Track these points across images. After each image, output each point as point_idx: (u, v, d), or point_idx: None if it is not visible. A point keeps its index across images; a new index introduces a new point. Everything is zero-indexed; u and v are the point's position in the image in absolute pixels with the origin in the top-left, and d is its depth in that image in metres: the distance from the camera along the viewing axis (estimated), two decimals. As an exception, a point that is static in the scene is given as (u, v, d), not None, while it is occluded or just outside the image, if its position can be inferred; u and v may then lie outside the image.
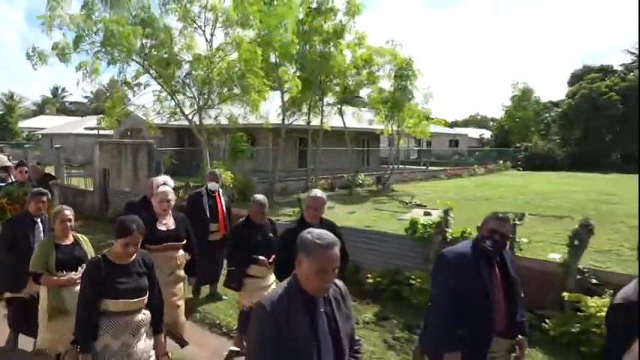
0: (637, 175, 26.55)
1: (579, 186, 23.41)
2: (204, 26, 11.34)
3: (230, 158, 14.70)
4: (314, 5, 16.68)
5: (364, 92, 22.96)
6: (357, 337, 2.42)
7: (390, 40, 20.51)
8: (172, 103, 11.89)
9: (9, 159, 9.66)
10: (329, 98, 20.34)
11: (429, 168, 30.49)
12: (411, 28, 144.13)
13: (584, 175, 31.36)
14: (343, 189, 20.35)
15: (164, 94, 11.66)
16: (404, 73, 20.46)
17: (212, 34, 11.56)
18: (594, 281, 5.26)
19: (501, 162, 35.56)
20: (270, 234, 4.98)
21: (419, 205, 16.21)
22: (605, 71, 41.64)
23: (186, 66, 11.25)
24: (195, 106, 11.73)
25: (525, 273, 4.34)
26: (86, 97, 61.42)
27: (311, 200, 4.11)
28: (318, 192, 4.20)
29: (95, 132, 29.98)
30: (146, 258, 3.43)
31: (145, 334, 3.36)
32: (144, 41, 10.43)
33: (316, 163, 19.37)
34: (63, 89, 70.51)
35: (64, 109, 63.87)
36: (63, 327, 3.89)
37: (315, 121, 19.52)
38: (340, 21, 17.08)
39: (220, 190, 6.80)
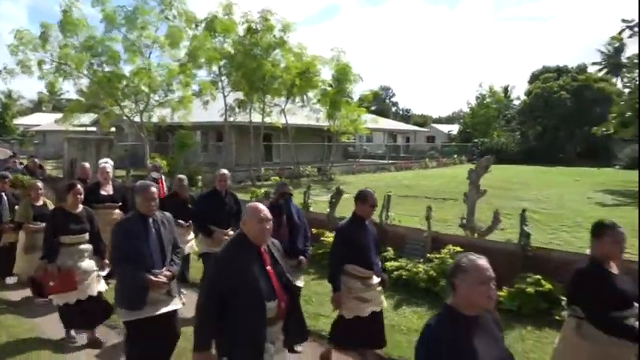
0: (571, 168, 29.44)
1: (500, 175, 26.38)
2: (143, 47, 14.56)
3: (176, 152, 17.82)
4: (252, 25, 20.06)
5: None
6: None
7: (334, 48, 23.81)
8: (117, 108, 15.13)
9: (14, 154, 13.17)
10: (279, 100, 23.47)
11: (380, 161, 33.57)
12: (412, 23, 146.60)
13: (527, 167, 34.41)
14: (288, 179, 23.46)
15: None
16: (341, 77, 23.68)
17: (150, 53, 14.75)
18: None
19: (455, 156, 38.55)
20: (234, 205, 6.14)
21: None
22: (560, 71, 44.47)
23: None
24: (137, 110, 14.92)
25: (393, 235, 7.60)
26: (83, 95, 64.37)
27: (219, 175, 6.08)
28: (224, 171, 6.12)
29: (84, 129, 33.12)
30: (89, 211, 5.34)
31: (87, 258, 5.16)
32: (91, 61, 13.62)
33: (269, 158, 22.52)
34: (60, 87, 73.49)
35: (60, 107, 66.97)
36: (34, 258, 5.82)
37: (287, 119, 22.76)
38: (274, 36, 20.31)
39: (163, 177, 9.42)
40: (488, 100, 47.33)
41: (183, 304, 4.38)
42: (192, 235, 6.89)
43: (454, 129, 54.59)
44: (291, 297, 3.13)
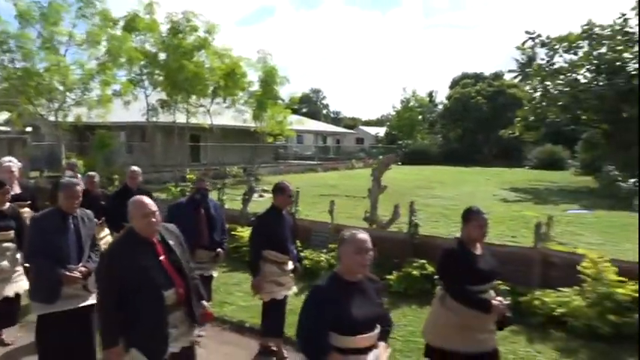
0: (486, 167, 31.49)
1: (420, 175, 27.88)
2: (58, 44, 14.23)
3: (96, 152, 17.48)
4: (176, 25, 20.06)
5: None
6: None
7: (260, 50, 24.18)
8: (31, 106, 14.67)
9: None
10: (204, 100, 23.49)
11: (309, 162, 34.33)
12: (346, 27, 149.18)
13: (447, 167, 36.40)
14: (213, 179, 23.54)
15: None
16: (268, 79, 24.11)
17: (66, 50, 14.45)
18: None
19: (381, 157, 39.99)
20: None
21: (264, 191, 19.85)
22: (478, 78, 47.39)
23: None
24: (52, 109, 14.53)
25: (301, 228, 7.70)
26: None
27: (130, 172, 6.40)
28: (135, 167, 6.67)
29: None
30: (15, 208, 5.30)
31: (10, 257, 5.05)
32: (2, 57, 13.16)
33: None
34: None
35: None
36: None
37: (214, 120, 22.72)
38: (198, 36, 20.42)
39: (79, 176, 9.30)
40: (412, 104, 49.46)
41: None
42: (106, 231, 7.04)
43: (381, 131, 56.51)
44: (188, 281, 3.26)
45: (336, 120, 77.79)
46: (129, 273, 3.02)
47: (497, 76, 47.64)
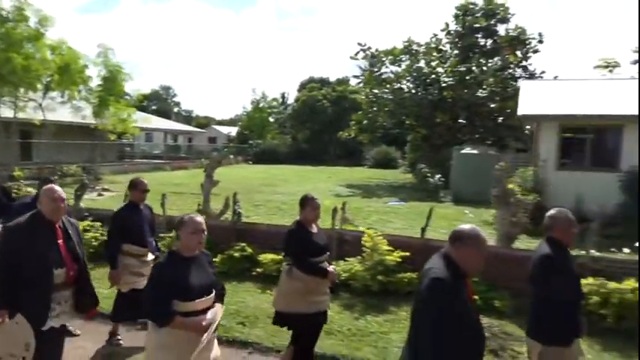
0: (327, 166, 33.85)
1: (267, 173, 29.23)
2: None
3: None
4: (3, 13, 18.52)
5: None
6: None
7: (101, 44, 23.24)
8: None
9: None
10: (34, 94, 21.85)
11: (157, 161, 33.71)
12: (198, 24, 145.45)
13: (295, 167, 38.36)
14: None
15: None
16: (110, 75, 23.33)
17: None
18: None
19: (232, 156, 40.69)
20: None
21: (105, 190, 19.34)
22: (323, 82, 50.55)
23: None
24: None
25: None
26: None
27: None
28: None
29: None
30: None
31: None
32: None
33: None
34: None
35: None
36: None
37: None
38: (29, 26, 19.11)
39: None
40: (262, 105, 50.91)
41: None
42: None
43: (234, 131, 57.12)
44: (80, 268, 3.75)
45: (188, 118, 76.30)
46: (26, 247, 3.49)
47: (342, 81, 51.31)
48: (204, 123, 71.62)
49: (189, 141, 52.58)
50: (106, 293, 5.60)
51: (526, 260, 6.48)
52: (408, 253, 6.90)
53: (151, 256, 5.34)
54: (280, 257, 7.34)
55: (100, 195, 17.66)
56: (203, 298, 3.23)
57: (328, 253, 4.66)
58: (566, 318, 3.46)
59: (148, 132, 42.94)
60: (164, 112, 67.22)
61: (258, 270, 7.42)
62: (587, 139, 13.45)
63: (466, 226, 2.82)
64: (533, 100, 14.80)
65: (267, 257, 7.40)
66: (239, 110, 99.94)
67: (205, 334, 3.16)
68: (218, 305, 3.38)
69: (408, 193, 21.05)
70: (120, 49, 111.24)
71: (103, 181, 22.44)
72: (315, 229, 4.59)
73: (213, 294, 3.33)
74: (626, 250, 7.06)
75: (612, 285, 5.59)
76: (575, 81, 17.28)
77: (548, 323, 3.41)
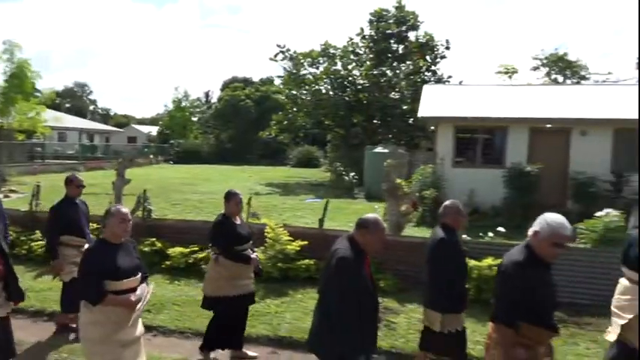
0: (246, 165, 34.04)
1: (189, 173, 29.10)
2: None
3: None
4: None
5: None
6: None
7: (6, 41, 22.18)
8: None
9: None
10: None
11: (70, 161, 32.44)
12: (116, 18, 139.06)
13: (219, 166, 38.25)
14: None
15: None
16: (17, 72, 22.31)
17: None
18: None
19: (152, 156, 39.89)
20: None
21: (12, 191, 18.58)
22: (247, 82, 50.70)
23: None
24: None
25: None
26: None
27: None
28: None
29: None
30: None
31: None
32: None
33: None
34: None
35: None
36: None
37: None
38: None
39: None
40: (184, 104, 50.14)
41: None
42: None
43: (154, 130, 55.75)
44: (7, 262, 3.99)
45: (106, 117, 73.30)
46: None
47: (265, 81, 51.71)
48: (124, 122, 69.20)
49: (107, 141, 50.75)
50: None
51: (410, 246, 7.47)
52: (306, 242, 7.60)
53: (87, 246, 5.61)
54: (188, 250, 7.86)
55: (6, 197, 16.94)
56: (132, 278, 3.69)
57: (251, 242, 5.29)
58: (458, 290, 4.29)
59: (60, 131, 40.98)
60: (79, 111, 64.20)
61: (167, 263, 7.82)
62: (479, 139, 14.92)
63: (370, 216, 3.55)
64: (433, 103, 16.12)
65: (175, 251, 7.83)
66: (160, 109, 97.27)
67: (136, 310, 3.64)
68: (143, 285, 3.84)
69: (325, 191, 21.92)
70: (30, 43, 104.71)
71: (10, 183, 21.43)
72: (238, 221, 5.18)
73: (139, 275, 3.80)
74: (490, 234, 8.18)
75: (472, 262, 6.56)
76: (471, 86, 18.96)
77: (445, 295, 4.20)
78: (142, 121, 78.10)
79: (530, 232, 3.23)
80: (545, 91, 19.16)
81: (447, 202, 4.54)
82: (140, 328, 3.84)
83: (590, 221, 7.29)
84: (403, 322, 6.19)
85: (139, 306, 3.67)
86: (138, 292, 3.71)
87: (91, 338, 3.62)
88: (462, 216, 4.45)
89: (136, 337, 3.75)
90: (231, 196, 5.12)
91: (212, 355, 5.19)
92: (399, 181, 8.24)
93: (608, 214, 7.10)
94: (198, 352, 5.20)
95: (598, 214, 7.33)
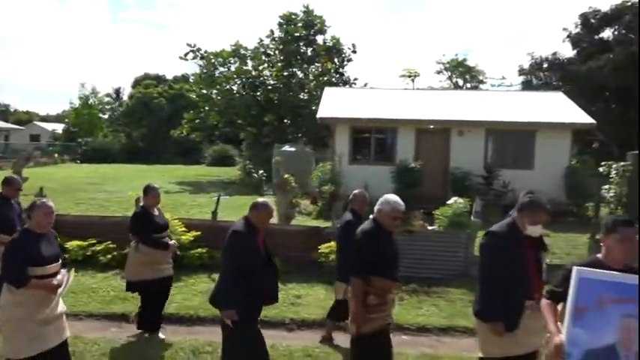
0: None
1: (97, 172, 28.44)
2: None
3: None
4: None
5: None
6: None
7: None
8: None
9: None
10: None
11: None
12: (17, 11, 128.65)
13: (129, 165, 37.35)
14: None
15: None
16: None
17: None
18: None
19: (57, 155, 38.20)
20: None
21: None
22: (159, 79, 49.74)
23: None
24: None
25: None
26: None
27: None
28: None
29: None
30: None
31: None
32: None
33: None
34: None
35: None
36: None
37: None
38: None
39: None
40: (92, 100, 48.26)
41: None
42: None
43: (60, 128, 53.06)
44: None
45: (5, 113, 68.34)
46: None
47: (179, 79, 50.94)
48: (26, 119, 64.99)
49: (6, 139, 47.63)
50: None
51: (295, 234, 8.44)
52: (199, 233, 8.34)
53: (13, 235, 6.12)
54: (86, 244, 8.31)
55: None
56: (53, 265, 4.10)
57: (168, 230, 6.06)
58: None
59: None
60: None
61: (66, 256, 8.19)
62: (373, 139, 16.31)
63: (260, 199, 4.46)
64: (332, 104, 17.34)
65: (73, 244, 8.24)
66: (67, 106, 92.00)
67: (58, 291, 4.09)
68: (64, 271, 4.24)
69: (235, 188, 22.50)
70: None
71: None
72: (156, 212, 5.86)
73: (60, 262, 4.23)
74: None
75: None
76: (367, 89, 20.41)
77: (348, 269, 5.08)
78: (46, 119, 73.63)
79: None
80: (430, 95, 21.09)
81: (355, 191, 5.59)
82: (61, 307, 4.23)
83: (442, 208, 8.61)
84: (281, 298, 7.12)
85: (60, 290, 4.10)
86: (59, 276, 4.11)
87: (13, 318, 3.97)
88: (366, 204, 5.43)
89: (57, 314, 4.15)
90: (149, 190, 5.81)
91: (161, 334, 5.84)
92: (286, 176, 9.16)
93: (456, 202, 8.44)
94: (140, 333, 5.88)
95: (449, 201, 8.68)
